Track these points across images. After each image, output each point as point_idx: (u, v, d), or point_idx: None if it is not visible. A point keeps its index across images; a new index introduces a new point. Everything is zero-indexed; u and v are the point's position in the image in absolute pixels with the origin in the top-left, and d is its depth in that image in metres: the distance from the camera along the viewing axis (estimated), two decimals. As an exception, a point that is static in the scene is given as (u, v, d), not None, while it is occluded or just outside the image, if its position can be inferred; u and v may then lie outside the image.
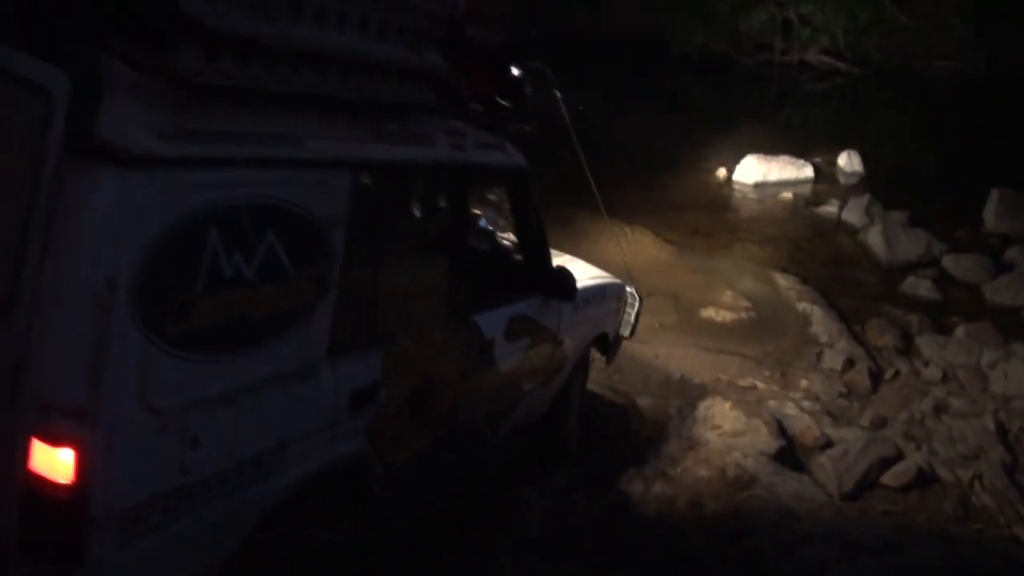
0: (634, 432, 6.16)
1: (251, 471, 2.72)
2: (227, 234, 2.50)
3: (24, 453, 2.26)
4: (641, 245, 10.48)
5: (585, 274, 5.24)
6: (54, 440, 2.24)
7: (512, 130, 4.26)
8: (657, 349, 7.62)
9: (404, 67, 3.00)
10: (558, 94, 4.90)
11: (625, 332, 5.83)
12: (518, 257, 4.77)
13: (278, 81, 2.52)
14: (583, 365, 5.55)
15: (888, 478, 5.85)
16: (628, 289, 5.80)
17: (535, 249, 4.54)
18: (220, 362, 2.57)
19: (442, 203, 3.87)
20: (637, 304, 5.79)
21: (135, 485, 2.37)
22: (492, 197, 5.99)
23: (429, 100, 3.22)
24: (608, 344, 5.74)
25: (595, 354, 5.82)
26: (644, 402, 6.62)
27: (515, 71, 4.17)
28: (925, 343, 8.58)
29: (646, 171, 14.08)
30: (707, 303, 9.06)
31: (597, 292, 5.32)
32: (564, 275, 4.52)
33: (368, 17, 2.78)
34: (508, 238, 5.17)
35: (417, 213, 3.86)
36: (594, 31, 25.36)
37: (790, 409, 6.77)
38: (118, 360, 2.26)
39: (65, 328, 2.24)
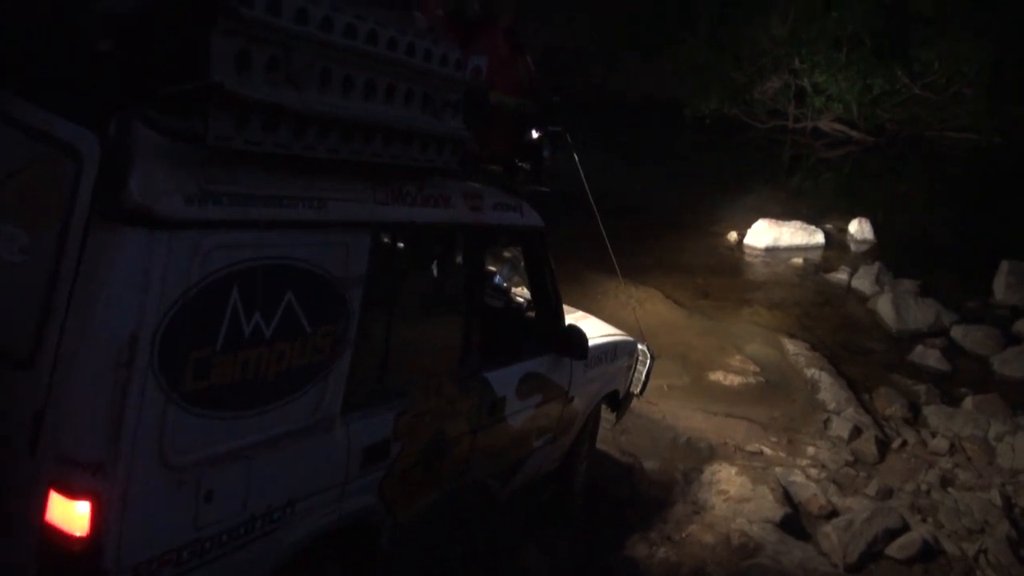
0: (640, 494, 6.14)
1: (262, 526, 2.77)
2: (247, 294, 2.58)
3: (42, 504, 2.31)
4: (650, 306, 10.51)
5: (598, 331, 5.28)
6: (71, 493, 2.29)
7: (529, 191, 4.36)
8: (664, 411, 7.62)
9: (426, 133, 3.08)
10: (576, 157, 4.96)
11: (636, 390, 5.84)
12: (531, 314, 4.84)
13: (304, 147, 2.59)
14: (594, 422, 5.56)
15: (893, 550, 5.81)
16: (640, 347, 5.82)
17: (549, 307, 4.59)
18: (236, 419, 2.63)
19: (458, 262, 3.95)
20: (649, 362, 5.81)
21: (149, 539, 2.43)
22: (507, 254, 6.05)
23: (450, 164, 3.30)
24: (619, 401, 5.76)
25: (604, 412, 5.83)
26: (650, 464, 6.61)
27: (534, 134, 4.27)
28: (933, 413, 8.55)
29: (657, 232, 14.17)
30: (715, 366, 9.07)
31: (609, 350, 5.31)
32: (576, 334, 4.56)
33: (393, 86, 2.88)
34: (522, 295, 5.24)
35: (434, 272, 3.93)
36: (610, 93, 25.65)
37: (796, 476, 6.75)
38: (137, 416, 2.33)
39: (86, 383, 2.29)
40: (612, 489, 6.10)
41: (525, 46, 4.28)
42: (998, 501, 6.66)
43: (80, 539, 2.29)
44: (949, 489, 6.95)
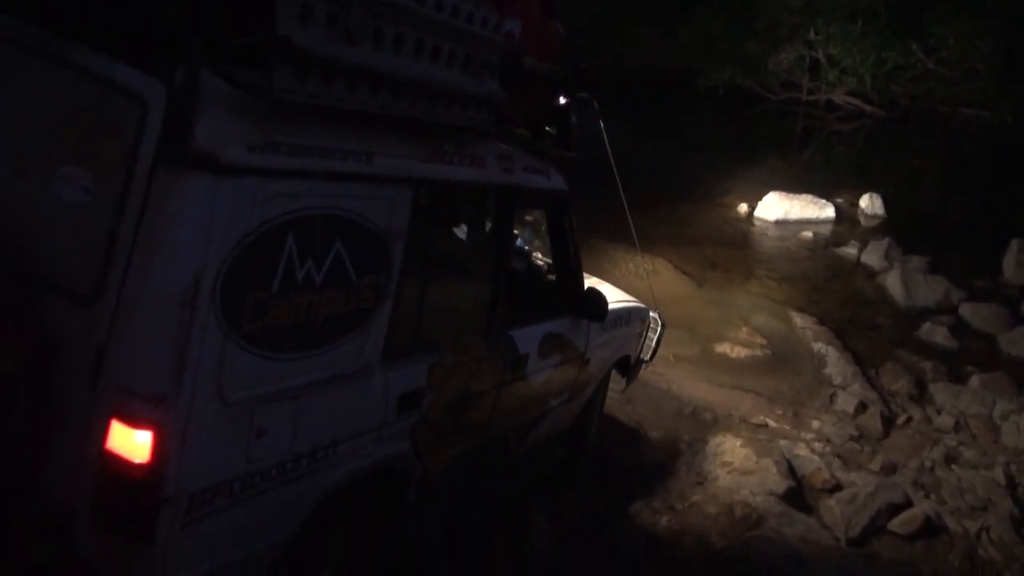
0: (644, 464, 6.15)
1: (307, 464, 2.90)
2: (301, 241, 2.69)
3: (102, 432, 2.42)
4: (659, 277, 10.48)
5: (613, 297, 5.31)
6: (134, 423, 2.40)
7: (556, 156, 4.40)
8: (670, 381, 7.63)
9: (467, 93, 3.18)
10: (601, 123, 5.03)
11: (646, 356, 5.91)
12: (551, 277, 4.93)
13: (357, 101, 2.71)
14: (604, 384, 5.67)
15: (896, 525, 5.82)
16: (652, 314, 5.88)
17: (570, 270, 4.66)
18: (287, 360, 2.75)
19: (488, 222, 4.04)
20: (660, 329, 5.87)
21: (205, 470, 2.55)
22: (528, 217, 6.06)
23: (487, 125, 3.41)
24: (629, 367, 5.84)
25: (613, 379, 5.86)
26: (655, 434, 6.62)
27: (562, 100, 4.35)
28: (939, 391, 8.55)
29: (668, 203, 14.11)
30: (722, 338, 9.06)
31: (624, 315, 5.41)
32: (596, 297, 4.64)
33: (439, 46, 2.97)
34: (542, 258, 5.30)
35: (466, 230, 4.05)
36: (622, 66, 25.48)
37: (801, 450, 6.76)
38: (198, 353, 2.44)
39: (151, 321, 2.40)
40: (617, 458, 6.11)
41: (557, 11, 4.29)
42: (1002, 480, 6.67)
43: (141, 466, 2.40)
44: (953, 466, 6.95)
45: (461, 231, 4.00)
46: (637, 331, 5.71)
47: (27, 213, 2.58)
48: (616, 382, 5.99)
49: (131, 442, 2.40)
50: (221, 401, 2.53)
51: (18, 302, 2.46)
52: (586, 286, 4.77)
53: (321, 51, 2.47)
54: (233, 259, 2.47)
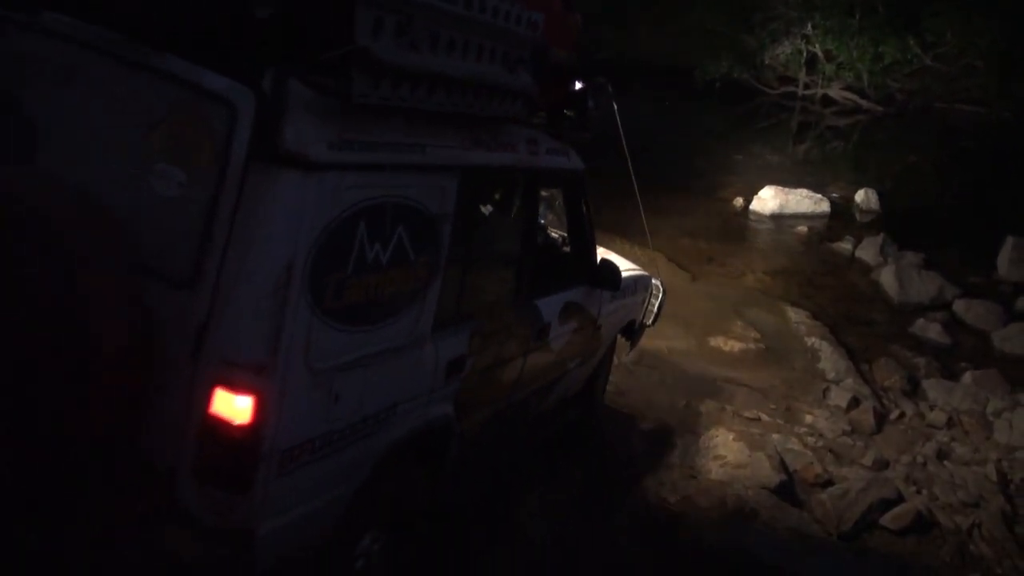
0: (637, 457, 6.15)
1: (373, 424, 3.28)
2: (371, 227, 3.04)
3: (206, 398, 2.75)
4: (654, 269, 10.47)
5: (620, 267, 5.52)
6: (236, 390, 2.74)
7: (573, 137, 4.73)
8: (664, 375, 7.63)
9: (505, 86, 3.54)
10: (615, 107, 5.32)
11: (649, 321, 6.32)
12: (566, 249, 5.30)
13: (417, 100, 3.05)
14: (611, 348, 6.11)
15: (887, 520, 5.83)
16: (654, 281, 6.31)
17: (585, 243, 5.05)
18: (359, 333, 3.12)
19: (518, 201, 4.41)
20: (661, 295, 6.30)
21: (295, 430, 2.91)
22: (544, 193, 6.20)
23: (521, 114, 3.82)
24: (634, 331, 6.25)
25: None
26: (648, 427, 6.62)
27: (579, 85, 4.64)
28: (932, 387, 8.56)
29: (663, 195, 14.09)
30: (716, 331, 9.07)
31: (631, 284, 5.77)
32: (610, 268, 5.06)
33: (482, 45, 3.30)
34: (557, 232, 5.64)
35: (499, 209, 4.42)
36: (620, 55, 25.43)
37: (793, 444, 6.77)
38: (291, 329, 2.79)
39: (250, 302, 2.74)
40: (610, 451, 6.12)
41: (575, 2, 4.57)
42: (994, 476, 6.69)
43: (242, 427, 2.75)
44: (945, 462, 6.97)
45: (491, 209, 4.33)
46: (642, 298, 6.14)
47: (123, 206, 2.80)
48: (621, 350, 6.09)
49: (233, 407, 2.74)
50: (308, 370, 2.88)
51: (124, 286, 2.71)
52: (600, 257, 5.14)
53: (393, 59, 2.80)
54: (318, 245, 2.81)
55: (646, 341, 7.61)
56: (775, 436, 6.86)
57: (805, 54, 28.71)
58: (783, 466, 6.27)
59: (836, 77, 28.59)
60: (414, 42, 2.90)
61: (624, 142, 5.48)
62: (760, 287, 11.32)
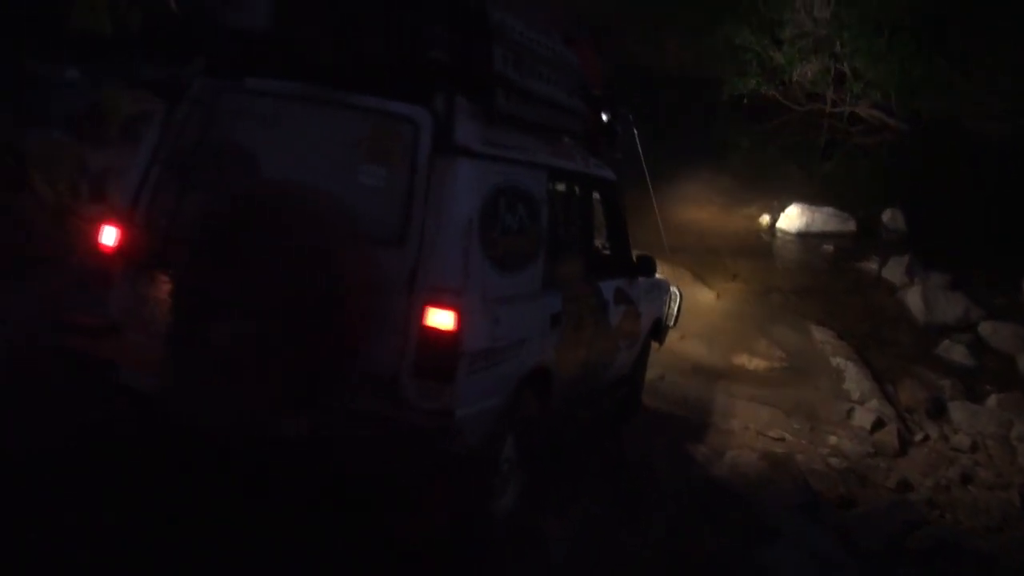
0: (660, 474, 6.18)
1: (515, 349, 4.23)
2: (506, 201, 4.20)
3: (420, 315, 3.75)
4: (679, 286, 10.51)
5: None
6: (443, 306, 3.75)
7: (605, 155, 5.94)
8: (687, 392, 7.66)
9: (569, 106, 4.93)
10: (636, 132, 6.90)
11: (670, 322, 7.22)
12: (607, 244, 6.25)
13: (526, 113, 4.38)
14: (647, 345, 6.88)
15: (911, 544, 5.83)
16: (672, 288, 7.21)
17: (622, 240, 6.12)
18: (507, 277, 4.18)
19: (579, 198, 5.39)
20: (679, 299, 7.27)
21: (478, 339, 3.89)
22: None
23: (578, 129, 5.27)
24: (660, 329, 7.03)
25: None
26: (671, 443, 6.65)
27: (606, 115, 6.08)
28: (956, 409, 8.55)
29: (689, 211, 14.13)
30: (741, 349, 9.11)
31: (655, 283, 6.75)
32: (647, 259, 6.15)
33: (556, 76, 4.66)
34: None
35: (569, 202, 5.29)
36: (645, 68, 25.43)
37: (817, 465, 6.79)
38: (475, 266, 3.90)
39: (448, 247, 3.81)
40: (632, 466, 6.16)
41: (603, 50, 5.98)
42: (1017, 501, 6.69)
43: (449, 332, 3.74)
44: (969, 487, 6.97)
45: (564, 203, 5.24)
46: (665, 298, 7.07)
47: (339, 196, 3.80)
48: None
49: (442, 319, 3.73)
50: (483, 297, 3.93)
51: (356, 244, 3.71)
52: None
53: (516, 80, 4.13)
54: (482, 209, 3.95)
55: (670, 358, 7.65)
56: (799, 456, 6.88)
57: (833, 72, 28.59)
58: (807, 486, 6.29)
59: (864, 95, 28.43)
60: (522, 70, 4.20)
61: (644, 163, 6.79)
62: (785, 305, 11.32)
